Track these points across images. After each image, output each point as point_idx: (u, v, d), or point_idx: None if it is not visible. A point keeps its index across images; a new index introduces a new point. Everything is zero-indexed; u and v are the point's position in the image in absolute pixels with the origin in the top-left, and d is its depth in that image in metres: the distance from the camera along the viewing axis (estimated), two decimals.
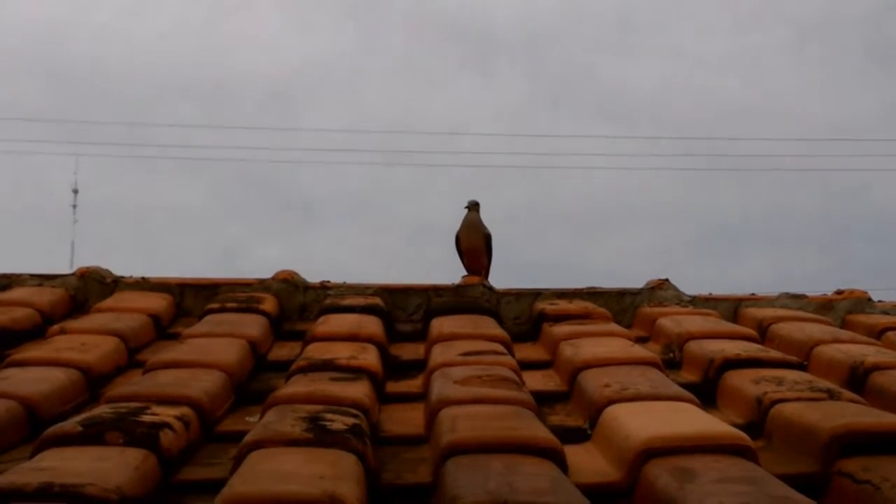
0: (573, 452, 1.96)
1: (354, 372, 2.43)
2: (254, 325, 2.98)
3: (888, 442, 1.86)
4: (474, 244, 3.84)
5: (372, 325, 2.98)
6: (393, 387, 2.59)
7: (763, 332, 3.11)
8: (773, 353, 2.67)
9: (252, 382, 2.62)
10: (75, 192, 21.35)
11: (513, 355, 2.72)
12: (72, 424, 1.88)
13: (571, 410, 2.40)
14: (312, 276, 3.55)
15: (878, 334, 3.12)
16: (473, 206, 3.91)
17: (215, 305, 3.23)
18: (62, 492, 1.52)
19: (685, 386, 2.39)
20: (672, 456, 1.78)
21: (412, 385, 2.60)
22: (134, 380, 2.42)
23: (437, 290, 3.47)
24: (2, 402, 2.13)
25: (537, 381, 2.62)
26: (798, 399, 2.19)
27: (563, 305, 3.30)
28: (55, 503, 1.51)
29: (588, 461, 1.97)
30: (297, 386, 2.27)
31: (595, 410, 2.18)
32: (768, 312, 3.31)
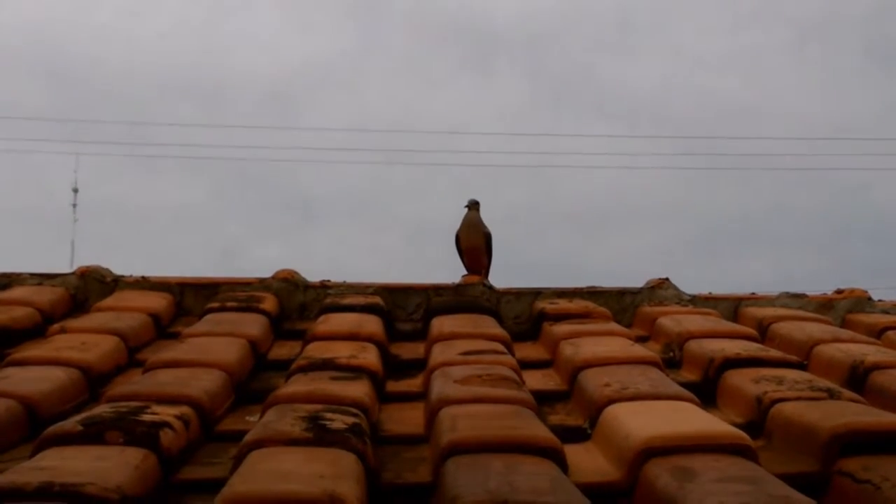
0: (573, 452, 1.96)
1: (354, 371, 2.43)
2: (254, 325, 2.98)
3: (888, 441, 1.86)
4: (474, 243, 3.85)
5: (372, 324, 2.98)
6: (393, 386, 2.59)
7: (763, 332, 3.11)
8: (773, 353, 2.67)
9: (252, 382, 2.62)
10: (75, 191, 21.35)
11: (513, 354, 2.72)
12: (72, 424, 1.88)
13: (571, 410, 2.40)
14: (312, 275, 3.55)
15: (878, 333, 3.12)
16: (473, 206, 3.91)
17: (215, 305, 3.23)
18: (62, 491, 1.52)
19: (685, 385, 2.39)
20: (672, 455, 1.78)
21: (412, 384, 2.60)
22: (134, 379, 2.42)
23: (437, 289, 3.47)
24: (2, 401, 2.13)
25: (537, 380, 2.62)
26: (798, 398, 2.19)
27: (563, 305, 3.30)
28: (55, 502, 1.51)
29: (588, 460, 1.97)
30: (298, 385, 2.27)
31: (595, 410, 2.19)
32: (768, 312, 3.31)
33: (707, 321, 3.10)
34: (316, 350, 2.65)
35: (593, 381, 2.36)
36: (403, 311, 3.41)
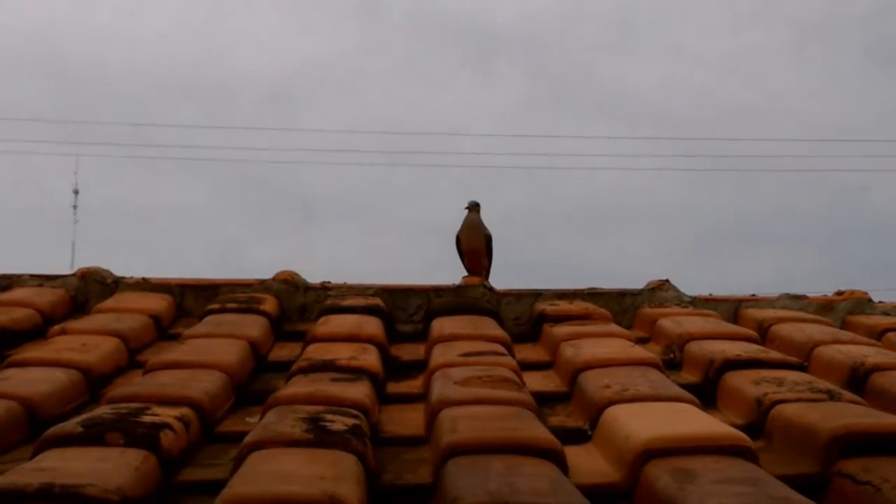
0: (573, 453, 1.96)
1: (355, 372, 2.43)
2: (254, 326, 2.98)
3: (889, 443, 1.86)
4: (475, 245, 3.85)
5: (372, 325, 2.99)
6: (393, 387, 2.59)
7: (763, 333, 3.11)
8: (774, 354, 2.67)
9: (252, 383, 2.62)
10: (76, 192, 21.34)
11: (513, 356, 2.72)
12: (72, 425, 1.88)
13: (572, 411, 2.40)
14: (313, 276, 3.56)
15: (878, 335, 3.12)
16: (474, 207, 3.91)
17: (216, 306, 3.24)
18: (63, 492, 1.52)
19: (685, 387, 2.39)
20: (672, 457, 1.78)
21: (412, 386, 2.60)
22: (134, 380, 2.42)
23: (437, 290, 3.47)
24: (2, 402, 2.13)
25: (538, 381, 2.62)
26: (798, 400, 2.19)
27: (563, 306, 3.30)
28: None
29: (588, 462, 1.97)
30: (298, 386, 2.27)
31: (595, 411, 2.19)
32: (768, 313, 3.31)
33: (707, 323, 3.10)
34: (316, 351, 2.66)
35: (593, 382, 2.36)
36: (404, 312, 3.41)
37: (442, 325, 3.01)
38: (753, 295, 3.63)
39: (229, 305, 3.22)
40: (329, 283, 3.53)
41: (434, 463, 1.87)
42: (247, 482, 1.60)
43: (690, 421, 2.00)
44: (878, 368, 2.52)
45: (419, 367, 2.74)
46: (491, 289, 3.49)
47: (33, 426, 2.14)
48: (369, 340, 2.81)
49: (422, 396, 2.45)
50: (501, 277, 3.68)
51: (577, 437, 2.15)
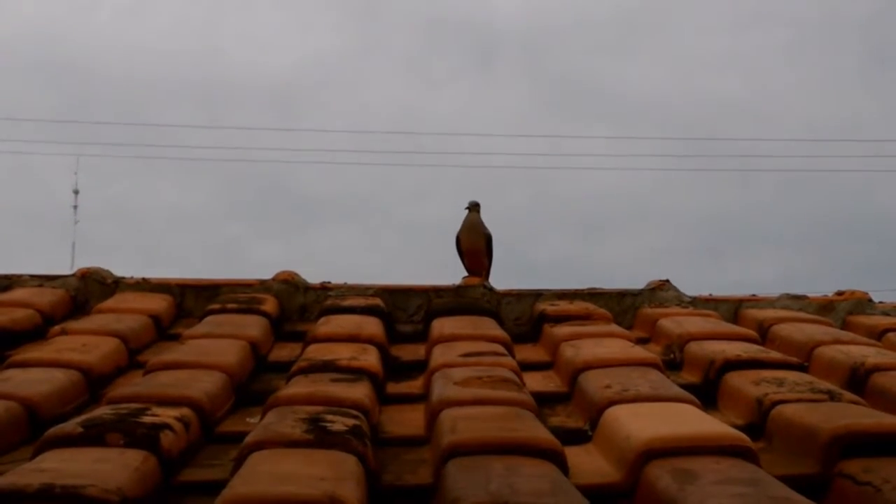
0: (574, 453, 1.96)
1: (355, 373, 2.43)
2: (254, 326, 2.98)
3: (889, 443, 1.86)
4: (475, 245, 3.85)
5: (372, 326, 2.99)
6: (393, 388, 2.59)
7: (764, 334, 3.11)
8: (774, 355, 2.67)
9: (253, 383, 2.62)
10: (76, 192, 21.38)
11: (513, 356, 2.72)
12: (72, 425, 1.88)
13: (572, 411, 2.40)
14: (313, 276, 3.56)
15: (878, 335, 3.12)
16: (474, 207, 3.91)
17: (216, 306, 3.24)
18: (63, 493, 1.52)
19: (686, 387, 2.39)
20: (673, 457, 1.78)
21: (413, 386, 2.60)
22: (134, 381, 2.42)
23: (437, 290, 3.47)
24: (2, 403, 2.13)
25: (538, 382, 2.62)
26: (799, 400, 2.19)
27: (563, 306, 3.30)
28: None
29: (589, 462, 1.97)
30: (298, 387, 2.27)
31: (596, 411, 2.18)
32: (769, 313, 3.31)
33: (707, 323, 3.10)
34: (316, 352, 2.66)
35: (594, 382, 2.36)
36: (404, 312, 3.41)
37: (442, 326, 3.01)
38: (754, 295, 3.63)
39: (229, 306, 3.22)
40: (329, 283, 3.52)
41: (434, 463, 1.87)
42: (247, 483, 1.60)
43: (691, 421, 2.00)
44: (878, 369, 2.51)
45: (419, 367, 2.74)
46: (491, 289, 3.49)
47: (33, 427, 2.14)
48: (369, 341, 2.80)
49: (422, 397, 2.45)
50: (501, 278, 3.69)
51: (577, 437, 2.15)
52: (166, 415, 2.00)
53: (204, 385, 2.28)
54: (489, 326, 3.03)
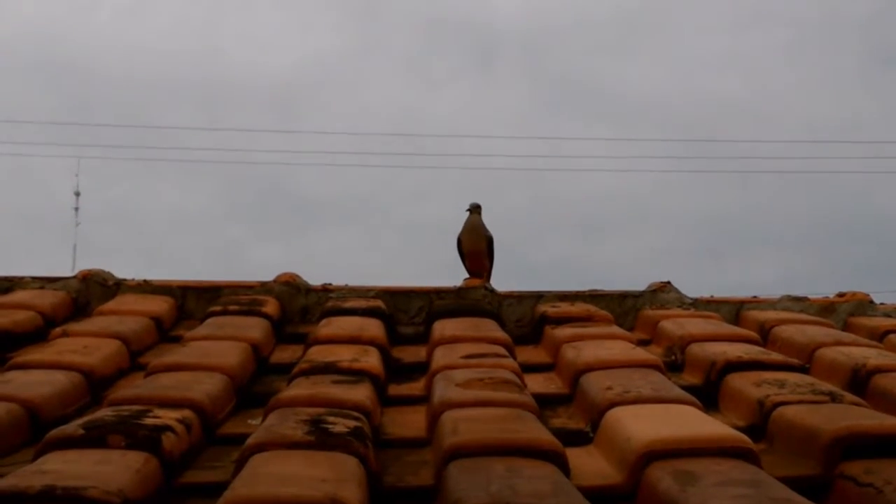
0: (575, 455, 1.96)
1: (356, 375, 2.43)
2: (256, 328, 2.98)
3: (890, 445, 1.86)
4: (476, 247, 3.85)
5: (374, 327, 2.99)
6: (395, 389, 2.59)
7: (765, 335, 3.11)
8: (775, 356, 2.67)
9: (254, 385, 2.62)
10: (77, 194, 21.38)
11: (514, 358, 2.72)
12: (74, 427, 1.88)
13: (573, 413, 2.40)
14: (313, 278, 3.56)
15: (879, 337, 3.11)
16: (475, 209, 3.92)
17: (217, 308, 3.24)
18: (64, 495, 1.52)
19: (687, 388, 2.39)
20: (674, 458, 1.78)
21: (414, 388, 2.60)
22: (136, 382, 2.42)
23: (438, 292, 3.47)
24: (4, 404, 2.13)
25: (539, 383, 2.62)
26: (800, 402, 2.18)
27: (564, 308, 3.30)
28: None
29: (590, 464, 1.97)
30: (299, 389, 2.27)
31: (597, 413, 2.18)
32: (770, 315, 3.31)
33: (709, 324, 3.09)
34: (318, 353, 2.66)
35: (595, 384, 2.36)
36: (405, 314, 3.41)
37: (443, 327, 3.01)
38: (755, 297, 3.63)
39: (231, 307, 3.23)
40: (330, 285, 3.53)
41: (436, 465, 1.87)
42: (248, 484, 1.60)
43: (692, 423, 2.00)
44: (879, 370, 2.51)
45: (421, 369, 2.74)
46: (492, 291, 3.49)
47: (35, 428, 2.14)
48: (371, 342, 2.81)
49: (423, 398, 2.45)
50: (502, 279, 3.69)
51: (578, 438, 2.15)
52: (168, 416, 2.00)
53: (205, 387, 2.28)
54: (490, 328, 3.03)
